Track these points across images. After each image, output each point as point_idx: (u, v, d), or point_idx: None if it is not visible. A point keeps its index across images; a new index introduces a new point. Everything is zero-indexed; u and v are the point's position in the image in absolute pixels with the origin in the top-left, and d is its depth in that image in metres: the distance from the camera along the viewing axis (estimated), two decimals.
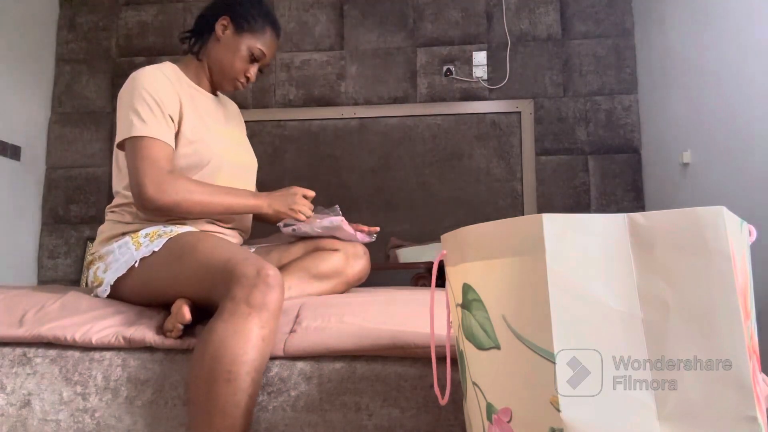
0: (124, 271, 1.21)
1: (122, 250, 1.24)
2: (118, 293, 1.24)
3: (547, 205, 2.82)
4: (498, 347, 0.65)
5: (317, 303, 1.19)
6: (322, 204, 1.47)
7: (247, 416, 0.94)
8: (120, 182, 1.34)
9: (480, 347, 0.68)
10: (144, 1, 3.15)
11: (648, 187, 2.77)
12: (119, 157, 1.33)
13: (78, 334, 1.08)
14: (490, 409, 0.67)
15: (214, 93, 1.50)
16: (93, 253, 1.33)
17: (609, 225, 0.62)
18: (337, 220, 1.39)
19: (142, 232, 1.25)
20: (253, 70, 1.45)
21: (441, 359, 0.83)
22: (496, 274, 0.66)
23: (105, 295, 1.25)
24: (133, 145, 1.24)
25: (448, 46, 2.98)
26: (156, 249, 1.19)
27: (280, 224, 1.42)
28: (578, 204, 2.82)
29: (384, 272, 2.32)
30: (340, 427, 0.97)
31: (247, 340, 0.95)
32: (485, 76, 2.93)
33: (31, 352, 1.10)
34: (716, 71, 2.08)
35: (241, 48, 1.41)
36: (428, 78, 2.97)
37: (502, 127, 2.91)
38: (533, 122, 2.88)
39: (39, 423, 1.04)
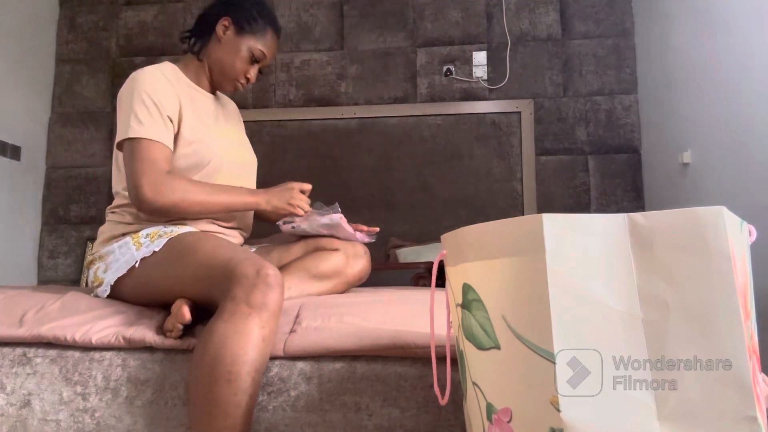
0: (124, 271, 1.21)
1: (123, 250, 1.24)
2: (119, 293, 1.24)
3: (547, 205, 2.82)
4: (498, 347, 0.65)
5: (317, 303, 1.19)
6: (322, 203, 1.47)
7: (247, 416, 0.94)
8: (120, 183, 1.34)
9: (480, 347, 0.68)
10: (144, 1, 3.15)
11: (648, 187, 2.77)
12: (119, 158, 1.33)
13: (78, 334, 1.08)
14: (490, 409, 0.67)
15: (213, 93, 1.50)
16: (93, 253, 1.33)
17: (609, 225, 0.62)
18: (337, 218, 1.39)
19: (143, 232, 1.25)
20: (253, 71, 1.45)
21: (441, 359, 0.83)
22: (496, 274, 0.66)
23: (105, 295, 1.25)
24: (130, 146, 1.24)
25: (448, 46, 2.98)
26: (156, 249, 1.19)
27: (280, 222, 1.42)
28: (578, 204, 2.82)
29: (384, 272, 2.32)
30: (340, 427, 0.97)
31: (247, 340, 0.95)
32: (485, 76, 2.93)
33: (31, 352, 1.10)
34: (716, 71, 2.08)
35: (242, 49, 1.41)
36: (428, 78, 2.97)
37: (502, 127, 2.91)
38: (533, 122, 2.88)
39: (39, 423, 1.04)
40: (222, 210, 1.31)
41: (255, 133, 2.93)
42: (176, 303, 1.10)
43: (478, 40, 2.97)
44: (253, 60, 1.43)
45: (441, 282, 0.88)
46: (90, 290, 1.32)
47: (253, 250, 1.47)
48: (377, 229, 1.51)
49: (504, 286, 0.65)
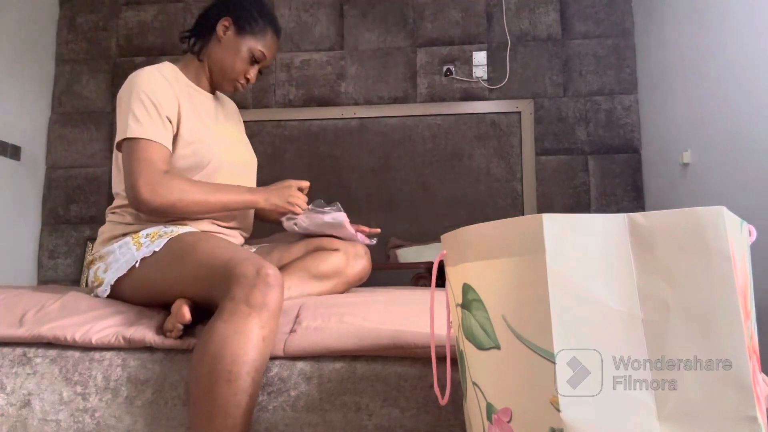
0: (124, 271, 1.21)
1: (123, 250, 1.24)
2: (119, 293, 1.24)
3: (547, 205, 2.82)
4: (498, 347, 0.65)
5: (317, 303, 1.19)
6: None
7: (247, 416, 0.94)
8: (120, 183, 1.34)
9: (480, 347, 0.68)
10: (144, 1, 3.15)
11: (648, 187, 2.77)
12: (119, 159, 1.33)
13: (78, 334, 1.08)
14: (490, 409, 0.67)
15: (213, 93, 1.50)
16: (93, 254, 1.33)
17: (609, 225, 0.62)
18: (340, 217, 1.39)
19: (143, 232, 1.25)
20: (253, 72, 1.45)
21: (441, 359, 0.83)
22: (496, 274, 0.66)
23: (105, 295, 1.25)
24: (128, 146, 1.24)
25: (448, 46, 2.98)
26: (157, 249, 1.19)
27: (283, 219, 1.43)
28: (578, 204, 2.82)
29: (384, 272, 2.32)
30: (340, 427, 0.97)
31: (247, 340, 0.95)
32: (485, 76, 2.93)
33: (31, 352, 1.10)
34: (716, 71, 2.08)
35: (242, 49, 1.41)
36: (428, 78, 2.97)
37: (502, 127, 2.91)
38: (533, 122, 2.88)
39: (39, 423, 1.04)
40: (220, 209, 1.31)
41: (255, 133, 2.93)
42: (176, 303, 1.10)
43: (478, 40, 2.97)
44: (253, 60, 1.43)
45: (441, 282, 0.88)
46: (90, 290, 1.32)
47: (254, 250, 1.47)
48: (378, 230, 1.51)
49: (504, 286, 0.65)
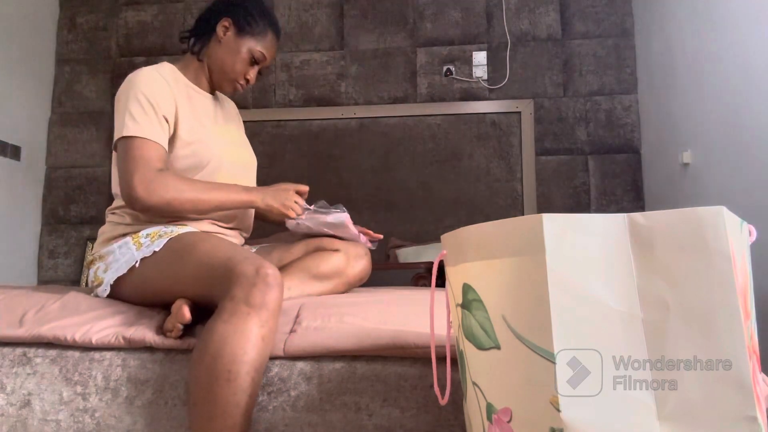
0: (124, 270, 1.21)
1: (123, 250, 1.24)
2: (119, 293, 1.24)
3: (547, 205, 2.82)
4: (498, 347, 0.65)
5: (317, 303, 1.19)
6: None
7: (247, 416, 0.94)
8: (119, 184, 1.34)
9: (480, 347, 0.68)
10: (144, 1, 3.15)
11: (648, 187, 2.77)
12: (117, 160, 1.33)
13: (78, 334, 1.08)
14: (490, 409, 0.67)
15: (212, 93, 1.50)
16: (93, 254, 1.33)
17: (609, 225, 0.62)
18: (343, 217, 1.39)
19: (143, 232, 1.25)
20: (252, 73, 1.45)
21: (441, 359, 0.83)
22: (496, 274, 0.66)
23: (105, 295, 1.25)
24: (124, 145, 1.24)
25: (448, 46, 2.98)
26: (157, 249, 1.19)
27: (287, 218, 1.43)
28: (578, 204, 2.82)
29: (384, 272, 2.32)
30: (340, 427, 0.97)
31: (246, 339, 0.95)
32: (485, 76, 2.93)
33: (31, 352, 1.10)
34: (716, 71, 2.08)
35: (242, 50, 1.41)
36: (428, 78, 2.97)
37: (502, 127, 2.91)
38: (533, 122, 2.88)
39: (39, 423, 1.04)
40: (216, 208, 1.31)
41: (255, 133, 2.93)
42: (176, 303, 1.10)
43: (478, 40, 2.97)
44: (253, 61, 1.43)
45: (441, 282, 0.88)
46: (90, 290, 1.32)
47: (254, 250, 1.47)
48: (381, 236, 1.51)
49: (504, 286, 0.65)
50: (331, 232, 1.44)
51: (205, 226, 1.35)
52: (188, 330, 1.08)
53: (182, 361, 1.05)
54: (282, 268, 1.35)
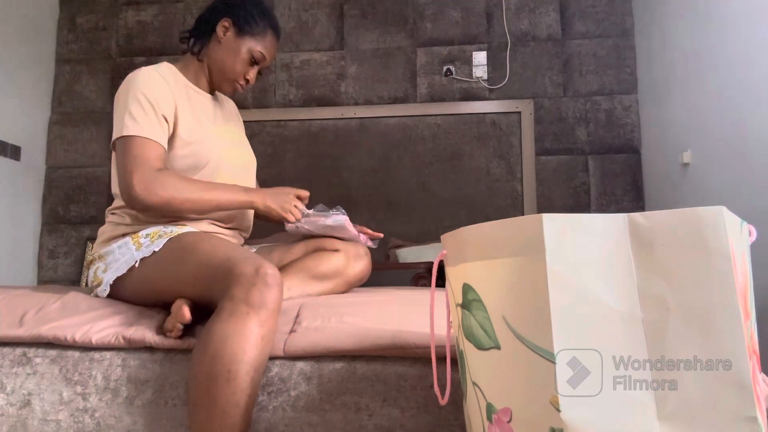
0: (124, 271, 1.21)
1: (122, 250, 1.24)
2: (118, 293, 1.24)
3: (547, 205, 2.82)
4: (498, 347, 0.65)
5: (317, 303, 1.19)
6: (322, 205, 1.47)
7: (246, 416, 0.94)
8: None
9: (480, 347, 0.68)
10: (144, 1, 3.15)
11: (648, 187, 2.77)
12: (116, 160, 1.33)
13: (78, 334, 1.08)
14: (490, 409, 0.67)
15: (212, 93, 1.50)
16: (93, 254, 1.33)
17: (609, 225, 0.62)
18: (342, 219, 1.39)
19: (143, 232, 1.25)
20: (252, 73, 1.45)
21: (441, 359, 0.83)
22: (496, 274, 0.66)
23: (105, 295, 1.25)
24: (123, 144, 1.24)
25: (448, 46, 2.98)
26: (156, 249, 1.19)
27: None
28: (578, 204, 2.82)
29: (384, 272, 2.32)
30: (340, 427, 0.97)
31: (246, 339, 0.95)
32: (485, 76, 2.93)
33: (31, 352, 1.10)
34: (716, 71, 2.08)
35: (242, 50, 1.41)
36: (428, 78, 2.97)
37: (502, 127, 2.91)
38: (533, 122, 2.88)
39: (39, 423, 1.04)
40: (215, 208, 1.31)
41: (255, 133, 2.93)
42: (176, 303, 1.10)
43: (478, 40, 2.97)
44: (253, 61, 1.43)
45: (441, 282, 0.88)
46: (90, 290, 1.32)
47: (254, 250, 1.47)
48: (381, 235, 1.51)
49: (504, 286, 0.65)
50: (330, 233, 1.44)
51: (205, 226, 1.35)
52: (188, 330, 1.08)
53: (182, 361, 1.05)
54: (282, 268, 1.35)
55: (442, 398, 0.80)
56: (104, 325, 1.11)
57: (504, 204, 2.85)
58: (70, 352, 1.08)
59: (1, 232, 2.76)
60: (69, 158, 3.08)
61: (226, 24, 1.41)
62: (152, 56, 3.07)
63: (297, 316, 1.12)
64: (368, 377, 1.00)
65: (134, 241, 1.24)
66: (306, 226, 1.41)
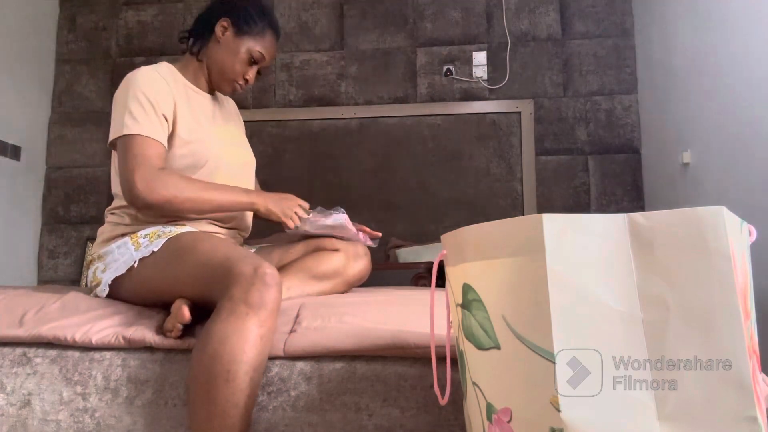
0: (123, 271, 1.21)
1: (121, 251, 1.24)
2: (118, 293, 1.24)
3: (547, 205, 2.82)
4: (498, 347, 0.65)
5: (317, 303, 1.19)
6: (322, 205, 1.47)
7: (246, 416, 0.94)
8: (119, 184, 1.34)
9: (480, 347, 0.68)
10: (144, 1, 3.15)
11: (648, 187, 2.77)
12: (117, 159, 1.33)
13: (78, 335, 1.08)
14: (490, 409, 0.66)
15: (211, 93, 1.50)
16: (93, 254, 1.33)
17: (609, 225, 0.62)
18: (341, 218, 1.39)
19: (142, 232, 1.25)
20: (252, 73, 1.45)
21: (441, 359, 0.83)
22: (496, 274, 0.66)
23: (104, 295, 1.25)
24: (124, 143, 1.24)
25: (448, 46, 2.98)
26: (155, 249, 1.19)
27: None
28: (578, 204, 2.82)
29: (384, 272, 2.31)
30: (340, 427, 0.97)
31: (245, 339, 0.95)
32: (485, 76, 2.93)
33: (31, 352, 1.10)
34: (716, 71, 2.08)
35: (241, 50, 1.41)
36: (428, 78, 2.97)
37: (502, 127, 2.91)
38: (533, 122, 2.88)
39: (39, 423, 1.04)
40: (215, 208, 1.31)
41: (255, 133, 2.93)
42: (176, 303, 1.10)
43: (478, 40, 2.97)
44: (252, 61, 1.43)
45: (441, 282, 0.88)
46: (90, 290, 1.32)
47: (254, 250, 1.47)
48: (380, 234, 1.51)
49: (504, 286, 0.65)
50: (329, 233, 1.44)
51: (204, 226, 1.35)
52: (188, 330, 1.08)
53: (182, 361, 1.05)
54: (282, 268, 1.35)
55: (442, 398, 0.80)
56: (104, 325, 1.11)
57: (504, 204, 2.85)
58: (70, 352, 1.08)
59: (1, 232, 2.76)
60: (69, 158, 3.08)
61: (225, 24, 1.41)
62: (152, 56, 3.07)
63: (297, 316, 1.12)
64: (368, 377, 1.00)
65: (133, 241, 1.24)
66: (306, 227, 1.41)
